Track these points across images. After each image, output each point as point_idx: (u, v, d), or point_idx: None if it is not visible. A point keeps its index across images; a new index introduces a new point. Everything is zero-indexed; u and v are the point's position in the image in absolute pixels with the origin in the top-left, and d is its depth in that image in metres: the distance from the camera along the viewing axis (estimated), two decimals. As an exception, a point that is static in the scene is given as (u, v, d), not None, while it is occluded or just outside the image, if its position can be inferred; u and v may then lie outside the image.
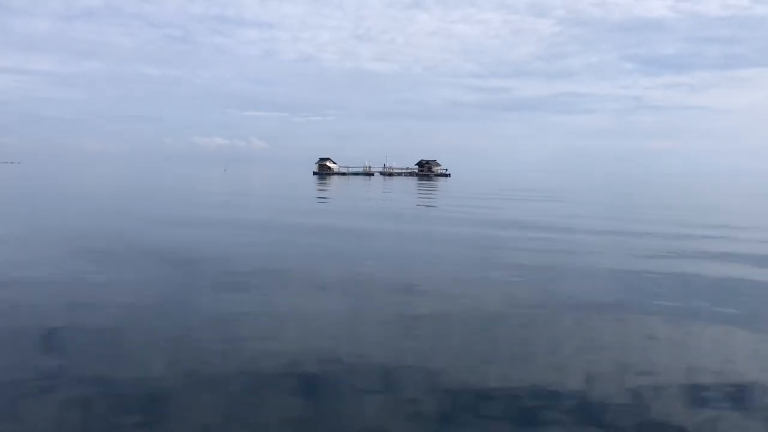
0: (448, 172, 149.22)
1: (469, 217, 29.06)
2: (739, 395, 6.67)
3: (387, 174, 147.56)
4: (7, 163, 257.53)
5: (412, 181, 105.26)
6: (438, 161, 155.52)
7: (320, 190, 64.94)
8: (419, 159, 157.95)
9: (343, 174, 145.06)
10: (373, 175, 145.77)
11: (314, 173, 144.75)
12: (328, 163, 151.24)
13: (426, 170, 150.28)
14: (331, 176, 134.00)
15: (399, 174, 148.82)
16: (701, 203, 46.99)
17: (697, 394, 6.68)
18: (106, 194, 46.84)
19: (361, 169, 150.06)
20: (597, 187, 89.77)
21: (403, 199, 48.99)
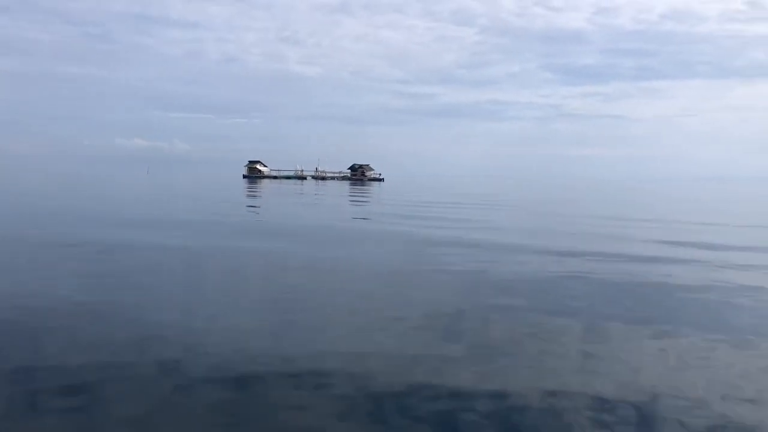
0: (381, 177, 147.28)
1: (410, 231, 26.47)
2: None
3: (320, 178, 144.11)
4: None
5: (346, 186, 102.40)
6: (371, 165, 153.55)
7: (250, 196, 61.04)
8: (350, 163, 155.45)
9: (275, 177, 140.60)
10: (305, 179, 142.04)
11: (244, 176, 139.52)
12: (258, 166, 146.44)
13: (359, 175, 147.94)
14: (262, 180, 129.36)
15: (332, 178, 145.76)
16: (630, 211, 46.57)
17: None
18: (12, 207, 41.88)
19: (292, 173, 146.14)
20: (527, 194, 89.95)
21: (338, 207, 46.11)
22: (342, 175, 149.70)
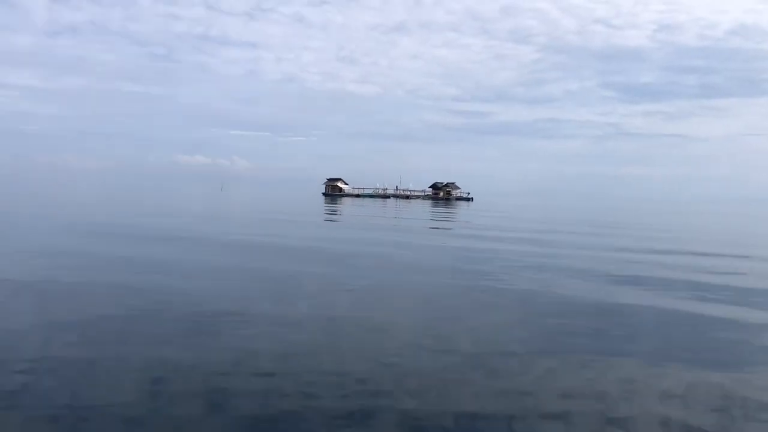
0: (470, 196, 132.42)
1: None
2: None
3: (403, 197, 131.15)
4: None
5: (430, 207, 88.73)
6: (456, 183, 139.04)
7: (331, 222, 48.40)
8: (427, 181, 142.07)
9: (357, 196, 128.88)
10: (388, 197, 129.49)
11: (324, 194, 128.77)
12: (339, 184, 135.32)
13: (444, 193, 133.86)
14: (342, 198, 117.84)
15: (417, 197, 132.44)
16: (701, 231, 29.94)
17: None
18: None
19: (372, 191, 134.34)
20: (647, 219, 73.16)
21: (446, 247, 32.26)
22: (425, 194, 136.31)
